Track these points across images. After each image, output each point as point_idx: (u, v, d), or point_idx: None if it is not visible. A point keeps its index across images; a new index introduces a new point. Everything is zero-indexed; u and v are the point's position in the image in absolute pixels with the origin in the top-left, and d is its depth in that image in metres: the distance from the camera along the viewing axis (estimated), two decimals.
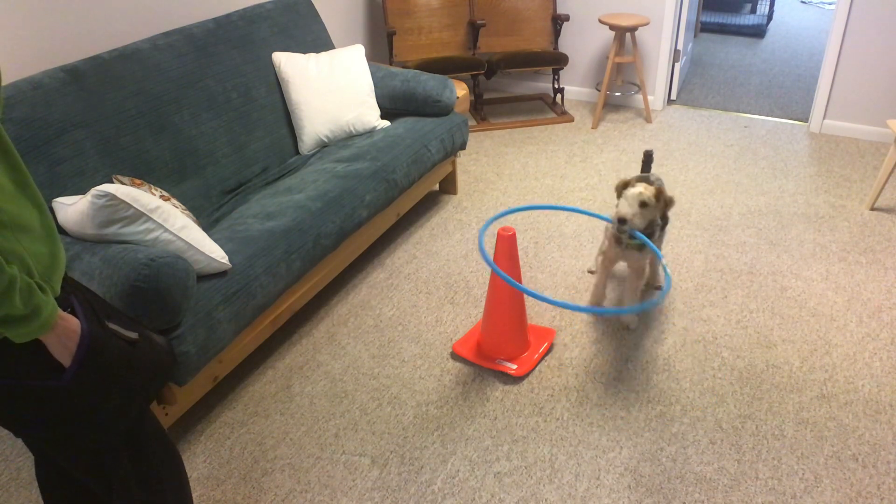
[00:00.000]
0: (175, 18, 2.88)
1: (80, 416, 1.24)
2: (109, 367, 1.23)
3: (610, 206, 3.41)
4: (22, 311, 1.07)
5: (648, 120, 4.47)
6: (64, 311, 1.18)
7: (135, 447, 1.38)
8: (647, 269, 2.54)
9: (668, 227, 3.23)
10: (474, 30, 4.33)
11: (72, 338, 1.18)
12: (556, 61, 4.36)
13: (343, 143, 3.01)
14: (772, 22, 6.80)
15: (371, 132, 3.08)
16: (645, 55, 4.57)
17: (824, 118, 4.23)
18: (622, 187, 2.32)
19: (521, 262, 2.92)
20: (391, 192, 2.81)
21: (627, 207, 2.25)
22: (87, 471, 1.34)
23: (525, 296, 2.46)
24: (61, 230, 2.05)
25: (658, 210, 2.30)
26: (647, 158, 2.70)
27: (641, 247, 2.39)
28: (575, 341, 2.55)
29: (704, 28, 6.57)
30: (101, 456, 1.33)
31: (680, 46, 4.63)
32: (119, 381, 1.26)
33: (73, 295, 1.23)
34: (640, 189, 2.26)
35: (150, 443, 1.42)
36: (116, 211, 1.88)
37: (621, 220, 2.24)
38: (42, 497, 1.52)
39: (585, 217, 3.35)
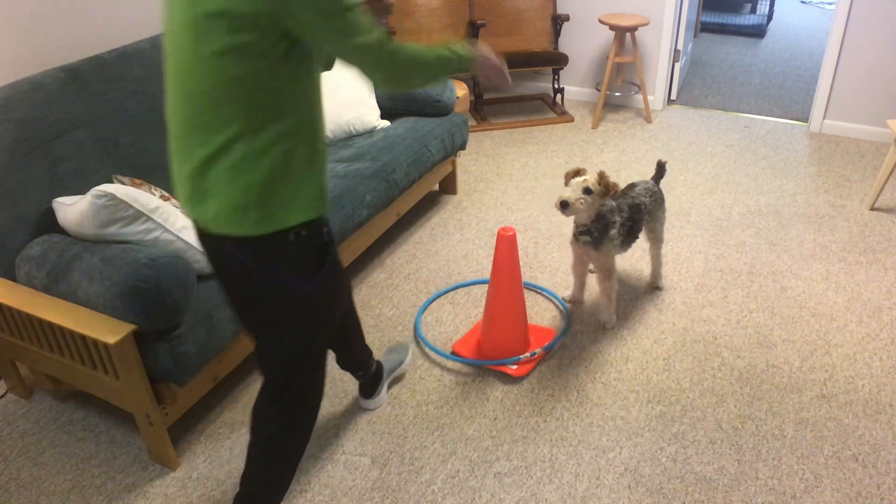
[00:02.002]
0: None
1: (310, 315, 1.51)
2: (335, 282, 1.56)
3: None
4: (441, 61, 1.44)
5: (648, 120, 4.47)
6: (322, 229, 1.47)
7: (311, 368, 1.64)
8: (615, 270, 2.53)
9: (667, 227, 3.23)
10: (474, 30, 4.33)
11: (488, 55, 1.55)
12: (556, 61, 4.36)
13: (343, 142, 3.01)
14: (772, 22, 6.80)
15: (371, 132, 3.08)
16: (645, 55, 4.57)
17: (824, 118, 4.23)
18: (572, 175, 2.35)
19: (521, 263, 2.92)
20: (391, 192, 2.81)
21: (570, 192, 2.29)
22: (274, 366, 1.60)
23: (525, 296, 2.46)
24: (61, 230, 2.05)
25: (601, 196, 2.31)
26: (660, 169, 2.71)
27: (597, 244, 2.40)
28: (575, 341, 2.55)
29: (704, 28, 6.57)
30: (298, 356, 1.59)
31: (680, 46, 4.63)
32: (339, 292, 1.59)
33: (324, 225, 1.50)
34: (587, 176, 2.32)
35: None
36: (116, 211, 1.88)
37: (563, 204, 2.27)
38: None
39: None
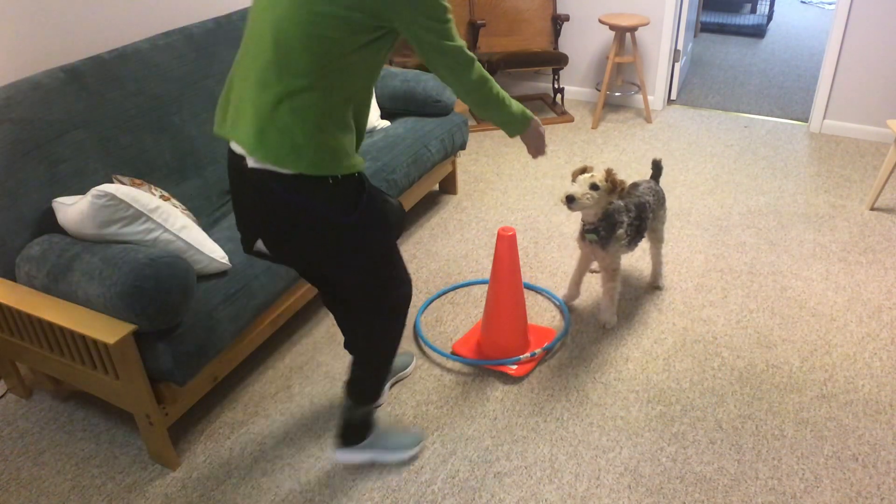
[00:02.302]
0: (175, 18, 2.88)
1: (361, 241, 1.65)
2: (377, 211, 1.67)
3: None
4: (511, 113, 1.77)
5: (648, 120, 4.47)
6: (356, 175, 1.62)
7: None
8: (619, 271, 2.52)
9: (667, 227, 3.23)
10: (474, 30, 4.33)
11: (539, 127, 1.88)
12: (556, 61, 4.36)
13: None
14: (772, 22, 6.80)
15: (371, 132, 3.08)
16: (645, 55, 4.57)
17: (824, 118, 4.23)
18: (579, 173, 2.35)
19: (521, 263, 2.92)
20: (391, 192, 2.81)
21: (576, 187, 2.29)
22: (345, 291, 1.81)
23: (525, 296, 2.46)
24: (61, 230, 2.05)
25: (608, 193, 2.31)
26: (657, 167, 2.70)
27: (604, 244, 2.40)
28: (575, 341, 2.55)
29: (704, 28, 6.57)
30: (356, 285, 1.75)
31: (680, 46, 4.63)
32: (382, 222, 1.69)
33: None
34: (594, 172, 2.32)
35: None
36: (116, 211, 1.88)
37: (569, 199, 2.26)
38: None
39: None
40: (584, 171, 2.34)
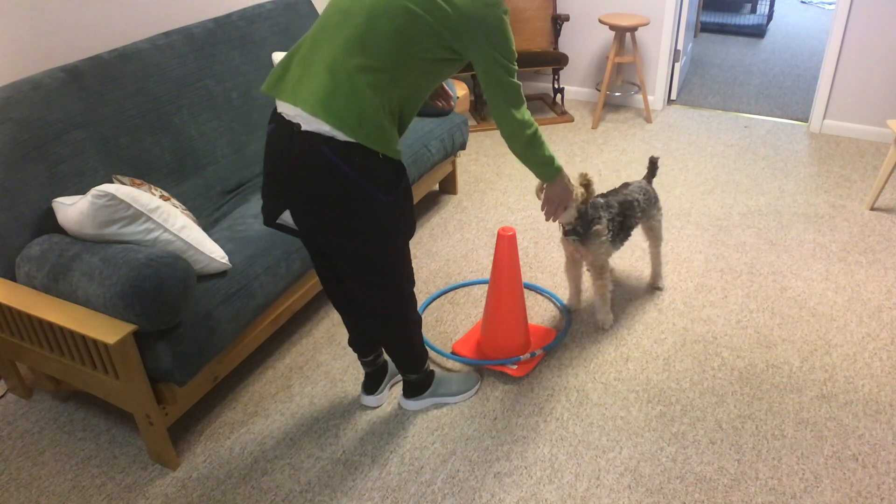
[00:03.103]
0: (175, 18, 2.88)
1: (391, 222, 1.72)
2: (409, 201, 1.78)
3: None
4: (547, 156, 1.90)
5: (648, 120, 4.47)
6: (399, 160, 1.72)
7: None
8: (607, 268, 2.52)
9: (667, 227, 3.23)
10: None
11: (566, 184, 2.08)
12: (556, 61, 4.36)
13: None
14: (772, 22, 6.80)
15: None
16: (645, 55, 4.57)
17: (824, 118, 4.23)
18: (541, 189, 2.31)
19: (521, 263, 2.92)
20: None
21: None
22: (360, 275, 1.83)
23: (525, 296, 2.46)
24: (61, 230, 2.05)
25: (586, 194, 2.30)
26: (652, 165, 2.70)
27: (584, 240, 2.41)
28: (575, 341, 2.55)
29: (704, 28, 6.57)
30: (377, 265, 1.80)
31: (680, 46, 4.63)
32: (409, 213, 1.79)
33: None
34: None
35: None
36: (116, 211, 1.88)
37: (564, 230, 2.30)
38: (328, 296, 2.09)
39: None
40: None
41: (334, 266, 1.97)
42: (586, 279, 2.80)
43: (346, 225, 1.68)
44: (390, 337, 2.02)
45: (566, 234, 2.44)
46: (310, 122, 1.59)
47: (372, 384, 2.25)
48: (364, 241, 1.72)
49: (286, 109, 1.64)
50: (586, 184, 2.29)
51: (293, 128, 1.62)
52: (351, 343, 2.18)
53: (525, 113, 1.78)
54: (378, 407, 2.27)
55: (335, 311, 2.72)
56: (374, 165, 1.63)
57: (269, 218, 1.79)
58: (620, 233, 2.50)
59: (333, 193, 1.64)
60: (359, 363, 2.46)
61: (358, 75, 1.57)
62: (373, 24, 1.57)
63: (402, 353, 2.08)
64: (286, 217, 1.76)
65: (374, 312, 1.94)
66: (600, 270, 2.51)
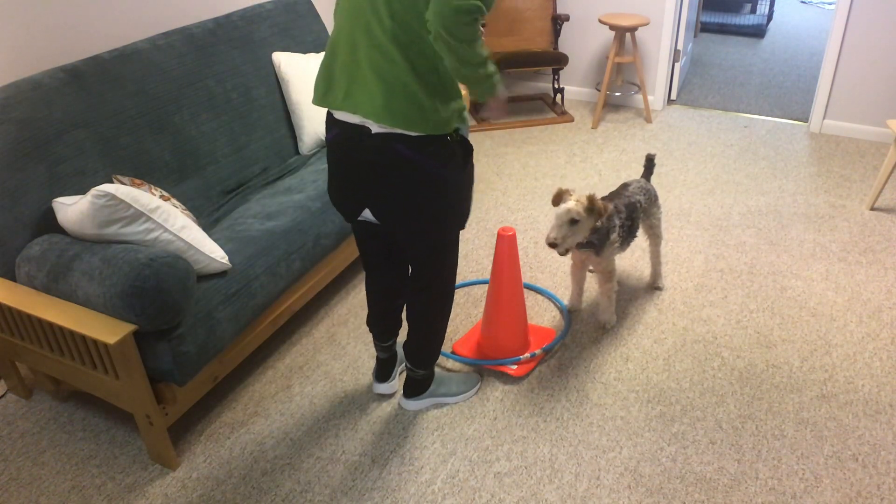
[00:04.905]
0: (175, 18, 2.88)
1: (460, 200, 1.83)
2: (473, 179, 1.89)
3: None
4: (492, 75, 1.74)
5: (648, 120, 4.47)
6: (464, 134, 1.81)
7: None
8: (615, 271, 2.51)
9: (667, 227, 3.23)
10: None
11: (503, 100, 1.86)
12: (556, 61, 4.36)
13: None
14: (772, 22, 6.80)
15: None
16: (645, 55, 4.57)
17: (824, 118, 4.23)
18: (558, 199, 2.24)
19: (521, 263, 2.92)
20: None
21: (556, 231, 2.18)
22: (429, 254, 1.92)
23: (525, 296, 2.46)
24: (61, 230, 2.05)
25: (593, 220, 2.23)
26: (649, 163, 2.70)
27: (598, 250, 2.37)
28: (575, 341, 2.55)
29: (704, 28, 6.57)
30: (436, 242, 1.90)
31: (680, 46, 4.63)
32: (471, 187, 1.88)
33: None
34: (570, 205, 2.17)
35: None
36: (116, 211, 1.88)
37: (551, 245, 2.18)
38: (368, 305, 2.20)
39: None
40: (560, 198, 2.23)
41: (390, 248, 2.05)
42: (587, 280, 2.80)
43: (427, 211, 1.78)
44: (435, 313, 2.07)
45: (579, 246, 2.35)
46: (377, 125, 1.68)
47: (385, 372, 2.28)
48: (442, 221, 1.84)
49: (346, 117, 1.72)
50: (596, 209, 2.20)
51: (362, 131, 1.70)
52: (373, 325, 2.21)
53: (475, 27, 1.55)
54: (392, 394, 2.29)
55: (335, 309, 2.73)
56: (447, 151, 1.73)
57: (351, 217, 1.90)
58: (628, 236, 2.50)
59: (413, 184, 1.73)
60: (359, 363, 2.46)
61: (403, 70, 1.61)
62: (397, 18, 1.58)
63: (431, 335, 2.11)
64: (368, 213, 1.85)
65: (430, 288, 2.01)
66: (609, 275, 2.51)
